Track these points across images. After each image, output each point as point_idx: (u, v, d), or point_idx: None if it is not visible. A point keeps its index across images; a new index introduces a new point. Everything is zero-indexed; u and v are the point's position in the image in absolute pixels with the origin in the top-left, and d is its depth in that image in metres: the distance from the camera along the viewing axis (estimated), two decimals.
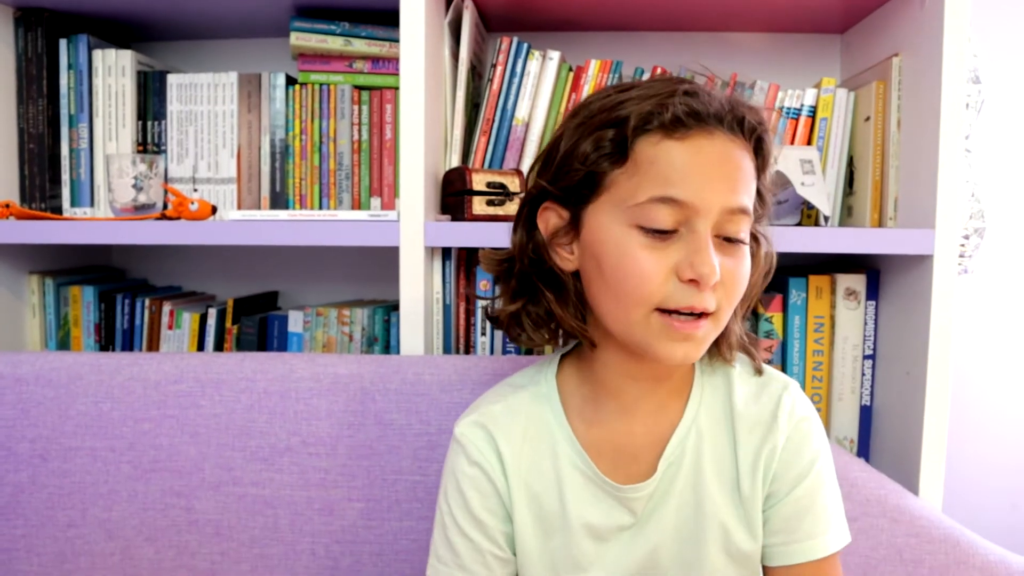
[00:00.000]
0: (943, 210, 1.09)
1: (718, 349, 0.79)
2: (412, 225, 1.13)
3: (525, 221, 0.80)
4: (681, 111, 0.69)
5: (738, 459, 0.79)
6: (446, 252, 1.21)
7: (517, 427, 0.81)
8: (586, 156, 0.73)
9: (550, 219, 0.77)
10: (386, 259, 1.23)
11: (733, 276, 0.71)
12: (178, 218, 1.22)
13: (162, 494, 1.10)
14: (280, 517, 1.10)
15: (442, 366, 1.09)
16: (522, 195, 1.18)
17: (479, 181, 1.17)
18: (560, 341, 0.84)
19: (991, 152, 1.47)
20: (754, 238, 0.78)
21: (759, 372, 0.82)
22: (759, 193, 0.75)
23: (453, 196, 1.19)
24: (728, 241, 0.71)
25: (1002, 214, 1.48)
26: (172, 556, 1.11)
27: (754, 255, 0.77)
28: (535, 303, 0.80)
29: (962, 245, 1.29)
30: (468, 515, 0.80)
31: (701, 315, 0.70)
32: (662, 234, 0.69)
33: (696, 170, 0.69)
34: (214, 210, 1.24)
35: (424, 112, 1.13)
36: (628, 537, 0.80)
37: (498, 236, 1.13)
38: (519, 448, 0.80)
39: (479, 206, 1.17)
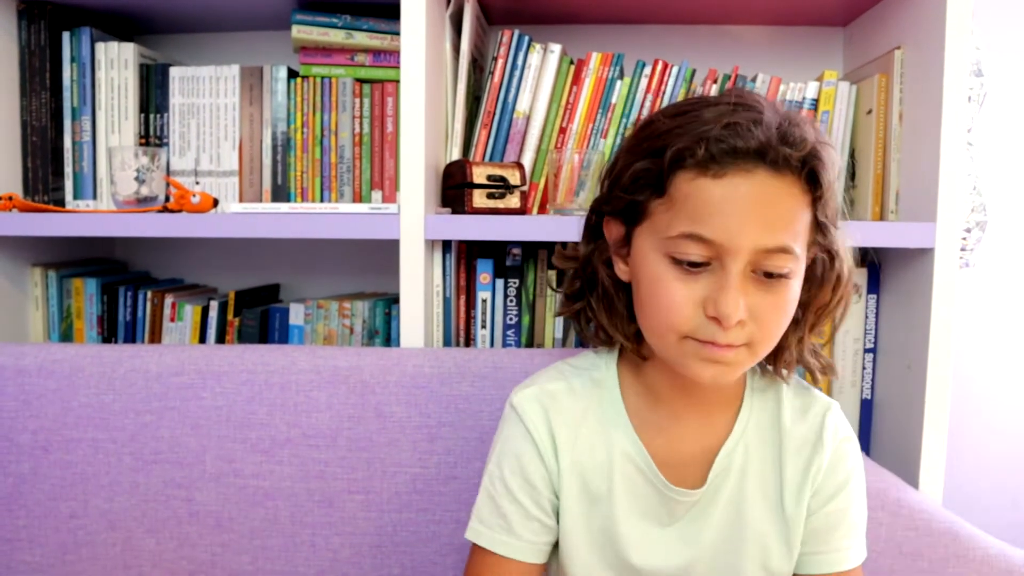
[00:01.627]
0: (944, 203, 1.09)
1: (774, 367, 0.80)
2: (412, 218, 1.13)
3: (592, 227, 0.82)
4: (717, 149, 0.68)
5: (784, 478, 0.81)
6: (446, 245, 1.21)
7: (576, 409, 0.82)
8: (627, 186, 0.74)
9: (613, 229, 0.79)
10: (387, 252, 1.23)
11: (767, 313, 0.70)
12: (180, 211, 1.22)
13: (163, 485, 1.11)
14: (280, 509, 1.10)
15: (442, 359, 1.09)
16: (523, 188, 1.19)
17: (479, 174, 1.17)
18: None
19: (993, 146, 1.46)
20: (827, 254, 0.76)
21: (813, 383, 0.83)
22: (819, 224, 0.72)
23: (453, 189, 1.19)
24: (768, 276, 0.69)
25: (1004, 208, 1.47)
26: (173, 547, 1.12)
27: (824, 273, 0.76)
28: (591, 308, 0.83)
29: (963, 239, 1.28)
30: (522, 480, 0.81)
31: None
32: (693, 266, 0.70)
33: (729, 209, 0.68)
34: (216, 203, 1.24)
35: (424, 105, 1.13)
36: (667, 536, 0.81)
37: (498, 229, 1.13)
38: (575, 430, 0.81)
39: (479, 199, 1.17)
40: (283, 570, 1.11)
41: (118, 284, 1.41)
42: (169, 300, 1.39)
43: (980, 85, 1.25)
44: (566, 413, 0.81)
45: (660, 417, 0.81)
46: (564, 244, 0.88)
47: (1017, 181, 1.48)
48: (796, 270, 0.71)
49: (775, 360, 0.79)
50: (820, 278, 0.76)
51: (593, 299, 0.82)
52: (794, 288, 0.72)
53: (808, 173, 0.70)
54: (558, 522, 0.82)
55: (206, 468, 1.10)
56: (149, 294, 1.39)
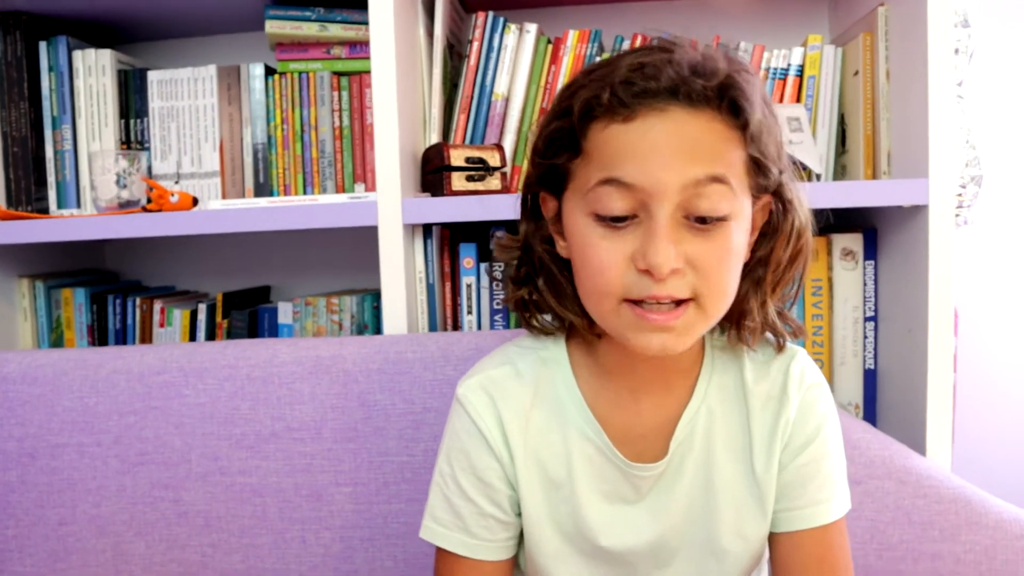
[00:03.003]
0: (936, 158, 1.05)
1: (738, 334, 0.75)
2: (389, 203, 1.11)
3: (529, 207, 0.78)
4: (624, 92, 0.64)
5: (752, 436, 0.76)
6: (427, 231, 1.19)
7: (525, 393, 0.77)
8: (543, 151, 0.71)
9: (548, 205, 0.75)
10: (375, 247, 1.21)
11: (707, 260, 0.65)
12: (159, 211, 1.21)
13: (150, 487, 1.09)
14: (268, 505, 1.08)
15: (424, 344, 1.07)
16: (504, 169, 1.17)
17: (458, 156, 1.15)
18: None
19: (986, 98, 1.42)
20: (782, 204, 0.71)
21: (780, 350, 0.77)
22: (756, 163, 0.67)
23: (432, 173, 1.17)
24: (702, 221, 0.64)
25: (1003, 165, 1.43)
26: (163, 550, 1.10)
27: (778, 224, 0.72)
28: (537, 291, 0.78)
29: (959, 195, 1.24)
30: (473, 478, 0.77)
31: (681, 303, 0.65)
32: (617, 221, 0.65)
33: (645, 150, 0.63)
34: (195, 202, 1.23)
35: (397, 90, 1.11)
36: (635, 513, 0.77)
37: (478, 211, 1.11)
38: (526, 416, 0.76)
39: (458, 182, 1.15)
40: (274, 568, 1.09)
41: (107, 293, 1.41)
42: (158, 306, 1.38)
43: (967, 36, 1.22)
44: (514, 399, 0.76)
45: (615, 393, 0.76)
46: (487, 232, 0.84)
47: (1013, 133, 1.44)
48: (735, 213, 0.66)
49: (739, 328, 0.74)
50: (775, 229, 0.71)
51: (539, 282, 0.77)
52: (735, 234, 0.66)
53: (729, 105, 0.65)
54: (520, 514, 0.78)
55: (192, 467, 1.09)
56: (138, 301, 1.38)
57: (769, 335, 0.77)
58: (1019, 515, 1.03)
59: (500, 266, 1.19)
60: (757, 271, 0.73)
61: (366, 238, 1.14)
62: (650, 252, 0.63)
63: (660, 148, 0.63)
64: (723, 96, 0.64)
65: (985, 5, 1.38)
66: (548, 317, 0.79)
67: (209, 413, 1.08)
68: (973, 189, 1.25)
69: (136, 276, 1.58)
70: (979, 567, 1.03)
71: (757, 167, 0.67)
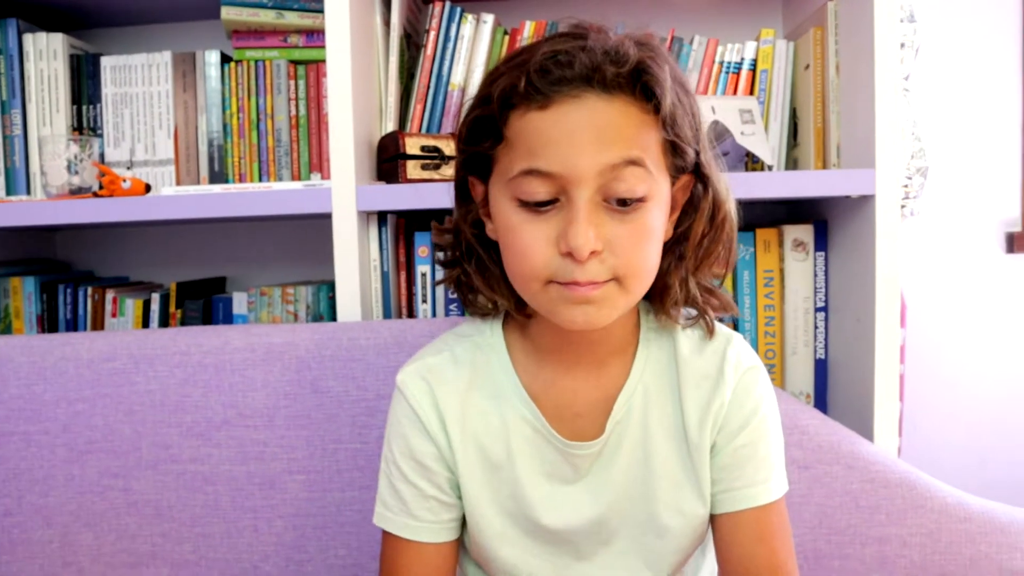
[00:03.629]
0: (882, 149, 1.07)
1: (662, 307, 0.76)
2: (344, 190, 1.11)
3: (461, 191, 0.79)
4: (540, 80, 0.65)
5: (685, 415, 0.77)
6: (382, 219, 1.19)
7: (462, 378, 0.78)
8: (467, 138, 0.73)
9: (477, 189, 0.76)
10: (331, 237, 1.20)
11: (625, 242, 0.67)
12: (111, 197, 1.19)
13: (99, 476, 1.08)
14: (220, 494, 1.07)
15: (378, 330, 1.07)
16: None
17: (413, 145, 1.15)
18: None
19: (933, 93, 1.46)
20: (701, 182, 0.73)
21: (710, 332, 0.79)
22: (673, 146, 0.69)
23: (388, 162, 1.17)
24: (622, 204, 0.66)
25: (948, 158, 1.46)
26: (112, 540, 1.08)
27: (698, 202, 0.73)
28: (464, 273, 0.79)
29: (906, 186, 1.27)
30: (412, 462, 0.78)
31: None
32: (541, 205, 0.67)
33: (561, 138, 0.65)
34: (148, 188, 1.21)
35: (352, 78, 1.11)
36: (575, 492, 0.78)
37: (434, 198, 1.11)
38: (463, 400, 0.78)
39: (414, 170, 1.15)
40: (226, 558, 1.08)
41: (58, 282, 1.38)
42: (110, 295, 1.36)
43: (913, 31, 1.24)
44: (451, 384, 0.78)
45: (551, 373, 0.78)
46: (442, 220, 0.85)
47: (957, 127, 1.47)
48: (653, 194, 0.67)
49: (662, 301, 0.76)
50: (695, 207, 0.73)
51: (468, 264, 0.79)
52: (653, 215, 0.68)
53: (642, 89, 0.66)
54: (461, 497, 0.79)
55: (142, 455, 1.07)
56: (90, 290, 1.36)
57: (703, 318, 0.78)
58: (963, 499, 1.06)
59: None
60: (679, 247, 0.75)
61: (322, 229, 1.14)
62: (570, 235, 0.65)
63: (576, 135, 0.65)
64: (635, 81, 0.66)
65: (931, 1, 1.41)
66: (482, 299, 0.80)
67: (160, 400, 1.07)
68: (919, 180, 1.28)
69: (88, 266, 1.55)
70: (924, 550, 1.05)
71: (673, 148, 0.69)
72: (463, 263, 0.79)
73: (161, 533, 1.08)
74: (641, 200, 0.67)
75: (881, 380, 1.10)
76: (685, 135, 0.69)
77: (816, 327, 1.24)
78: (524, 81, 0.65)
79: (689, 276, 0.75)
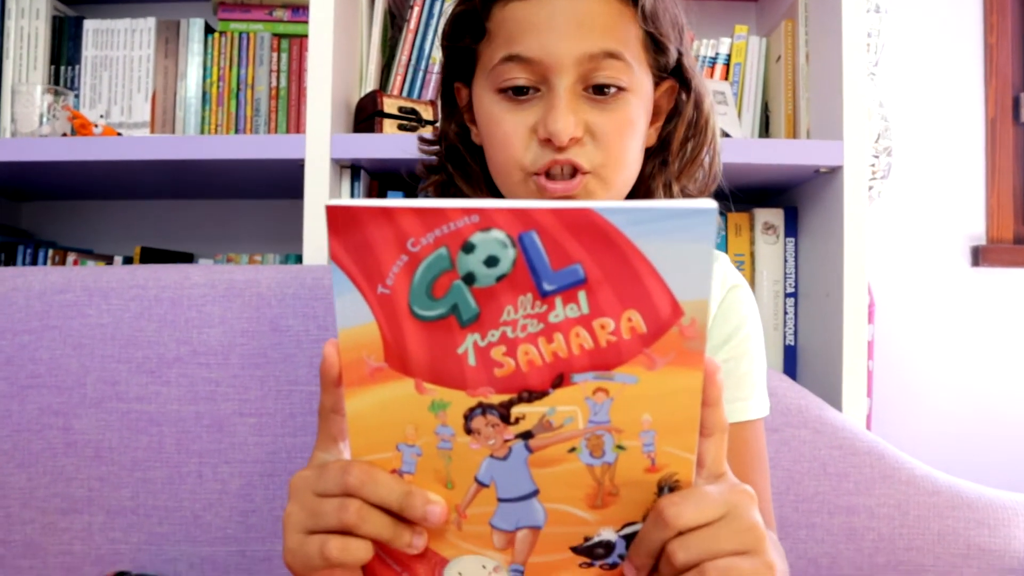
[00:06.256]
0: (849, 121, 1.10)
1: None
2: (318, 137, 1.10)
3: (445, 99, 0.80)
4: None
5: None
6: (355, 174, 1.18)
7: None
8: (449, 34, 0.74)
9: (462, 93, 0.77)
10: (301, 218, 1.19)
11: (605, 129, 0.67)
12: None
13: (39, 413, 1.02)
14: (165, 436, 1.02)
15: None
16: (436, 124, 1.17)
17: (391, 105, 1.16)
18: None
19: (898, 81, 1.51)
20: (684, 87, 0.74)
21: None
22: (653, 38, 0.70)
23: (365, 121, 1.17)
24: (601, 92, 0.67)
25: (912, 144, 1.50)
26: (46, 483, 1.02)
27: (681, 106, 0.74)
28: (448, 176, 0.79)
29: (872, 166, 1.29)
30: None
31: (576, 173, 0.67)
32: (520, 93, 0.68)
33: (543, 24, 0.66)
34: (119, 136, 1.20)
35: (333, 46, 1.12)
36: None
37: (412, 148, 1.10)
38: None
39: (390, 130, 1.15)
40: (166, 505, 1.02)
41: (17, 244, 1.35)
42: (71, 259, 1.33)
43: (879, 21, 1.29)
44: None
45: None
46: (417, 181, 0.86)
47: (922, 114, 1.52)
48: (634, 87, 0.68)
49: None
50: (678, 110, 0.74)
51: (450, 166, 0.79)
52: (634, 107, 0.68)
53: None
54: None
55: (87, 392, 1.02)
56: (51, 252, 1.33)
57: None
58: (930, 472, 1.04)
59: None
60: (662, 153, 0.75)
61: (293, 210, 1.13)
62: (550, 120, 0.65)
63: (556, 22, 0.66)
64: None
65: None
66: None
67: (111, 334, 1.03)
68: (886, 160, 1.31)
69: (53, 237, 1.52)
70: (892, 522, 1.02)
71: (655, 44, 0.70)
72: (446, 167, 0.79)
73: (99, 477, 1.02)
74: (622, 90, 0.67)
75: (849, 353, 1.09)
76: (666, 31, 0.71)
77: (786, 313, 1.24)
78: None
79: (672, 182, 0.75)
